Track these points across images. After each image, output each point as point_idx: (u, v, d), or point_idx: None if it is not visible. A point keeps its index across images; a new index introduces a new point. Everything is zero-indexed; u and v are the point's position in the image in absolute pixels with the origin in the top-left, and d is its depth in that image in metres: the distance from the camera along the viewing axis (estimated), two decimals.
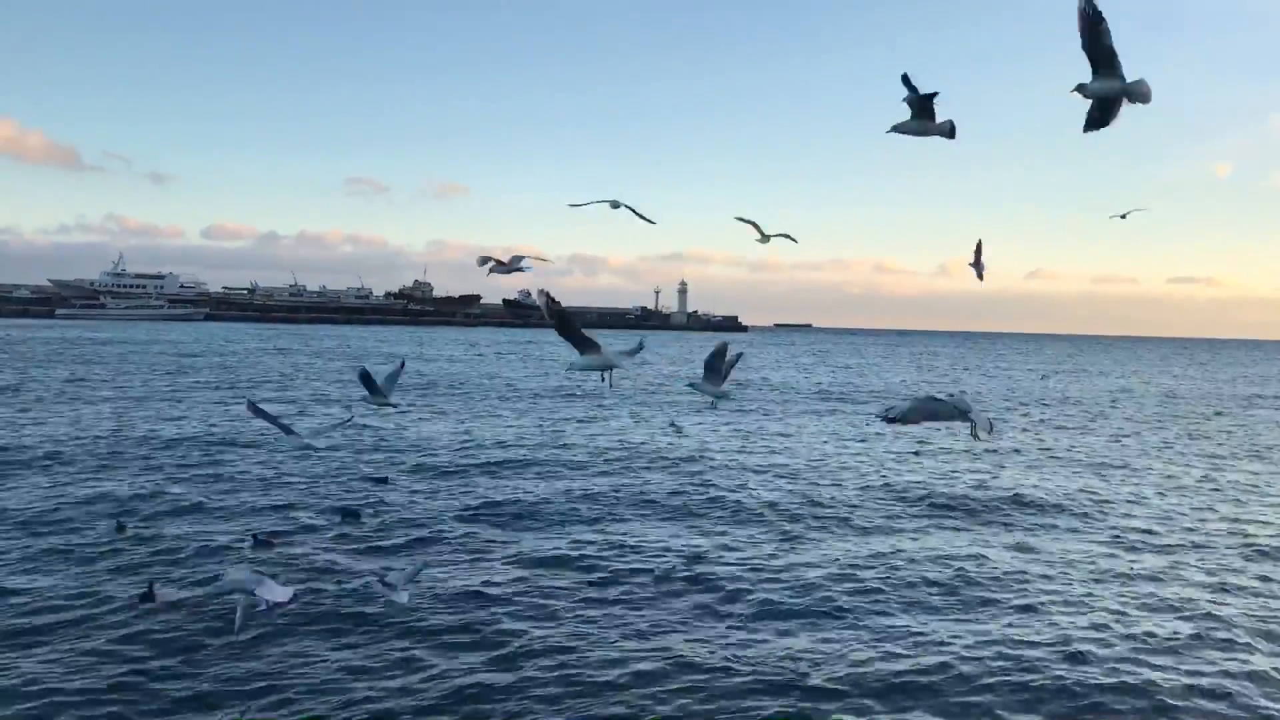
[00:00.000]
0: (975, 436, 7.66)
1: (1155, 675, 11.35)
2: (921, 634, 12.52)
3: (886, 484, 23.37)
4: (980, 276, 9.57)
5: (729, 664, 11.30)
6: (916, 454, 28.48)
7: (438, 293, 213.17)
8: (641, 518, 18.93)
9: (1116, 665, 11.63)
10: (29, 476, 20.90)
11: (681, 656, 11.45)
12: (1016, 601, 14.08)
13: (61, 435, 27.39)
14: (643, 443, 29.23)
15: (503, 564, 15.06)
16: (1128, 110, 5.74)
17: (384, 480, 21.45)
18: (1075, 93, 5.73)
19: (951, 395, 7.66)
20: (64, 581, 13.32)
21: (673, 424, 28.52)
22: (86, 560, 14.39)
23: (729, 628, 12.63)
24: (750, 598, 13.87)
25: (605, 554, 15.96)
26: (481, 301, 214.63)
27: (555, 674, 10.90)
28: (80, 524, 16.65)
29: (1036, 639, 12.46)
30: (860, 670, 11.24)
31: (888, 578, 15.03)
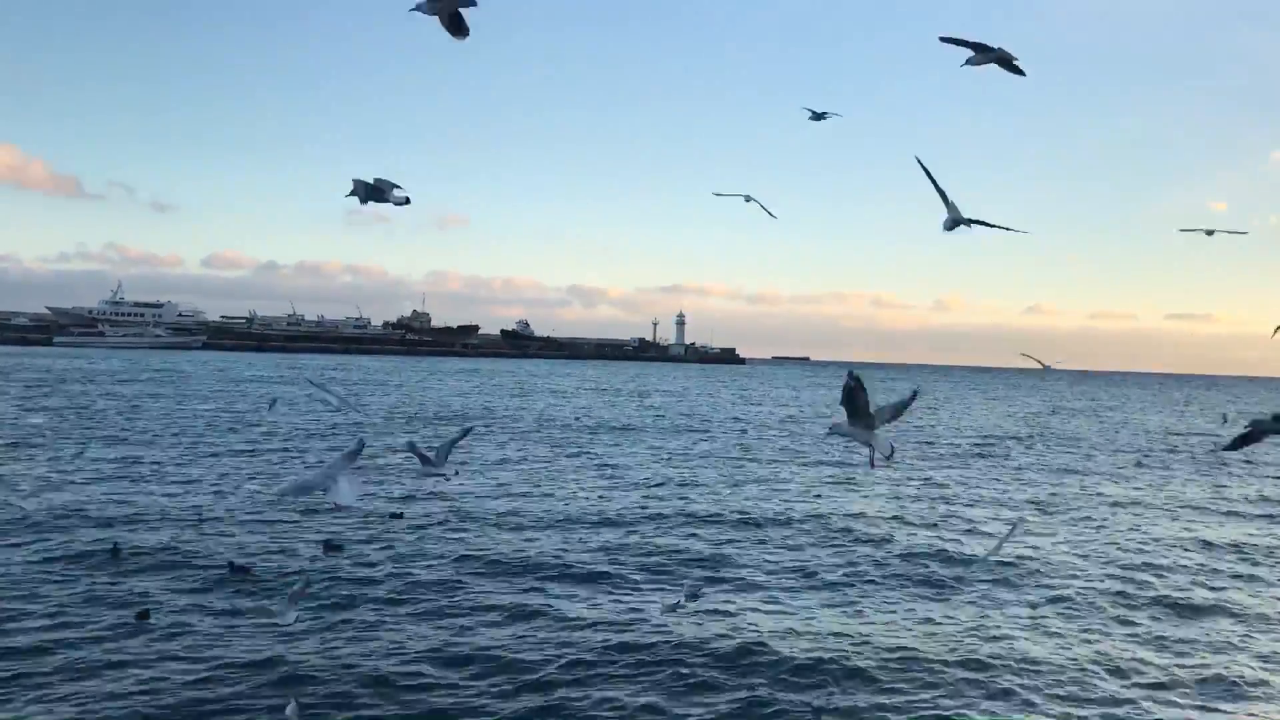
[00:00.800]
0: (871, 464, 7.32)
1: None
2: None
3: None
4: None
5: None
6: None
7: (436, 323, 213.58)
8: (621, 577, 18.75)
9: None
10: (27, 494, 20.85)
11: None
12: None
13: (56, 465, 27.21)
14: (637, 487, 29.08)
15: (494, 619, 14.54)
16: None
17: (398, 515, 20.83)
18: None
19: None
20: (65, 600, 13.57)
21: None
22: (86, 584, 14.58)
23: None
24: (730, 669, 13.69)
25: (588, 607, 15.80)
26: (480, 332, 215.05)
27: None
28: (78, 549, 16.65)
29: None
30: None
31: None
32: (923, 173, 6.40)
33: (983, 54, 6.50)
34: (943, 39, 6.41)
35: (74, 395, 54.63)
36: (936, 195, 6.45)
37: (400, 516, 20.67)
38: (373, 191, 6.64)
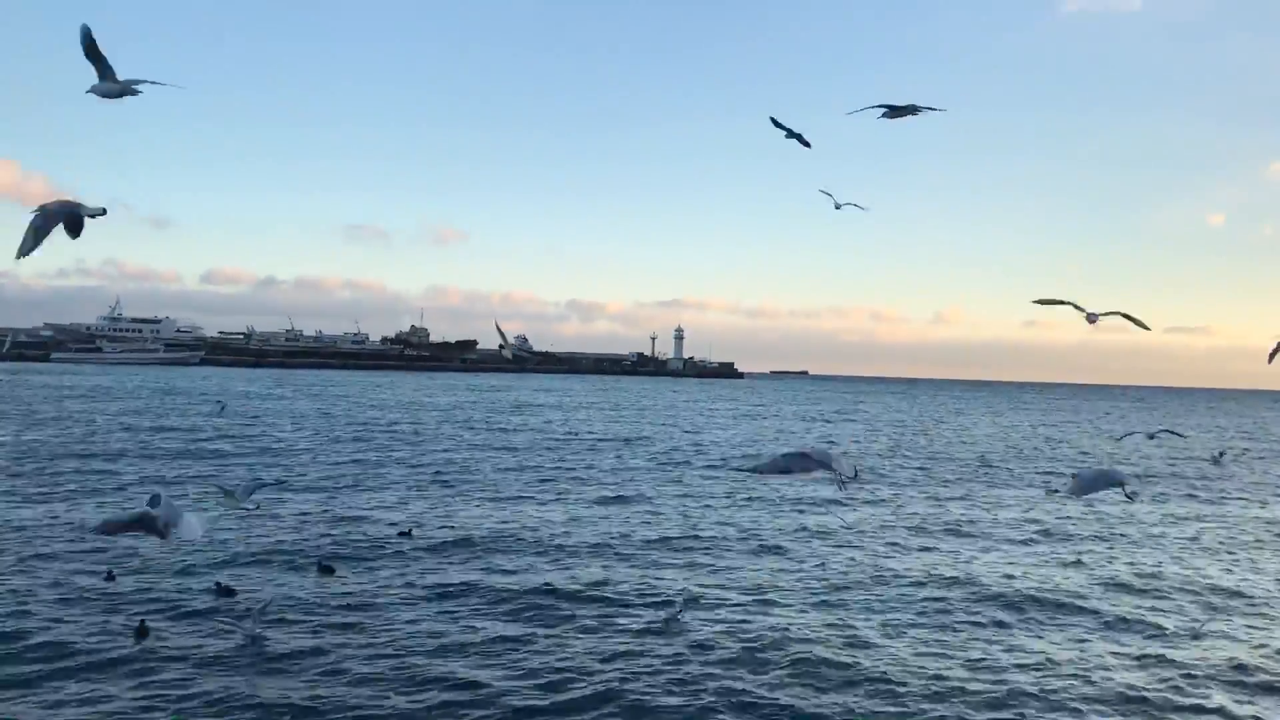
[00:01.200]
0: (841, 486, 7.61)
1: None
2: None
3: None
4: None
5: None
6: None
7: (434, 338, 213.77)
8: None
9: None
10: (24, 523, 20.82)
11: None
12: None
13: (50, 492, 27.13)
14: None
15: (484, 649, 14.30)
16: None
17: (407, 534, 20.65)
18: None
19: (814, 449, 7.73)
20: (66, 621, 13.79)
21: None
22: (84, 605, 14.73)
23: None
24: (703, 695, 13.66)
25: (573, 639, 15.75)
26: (478, 347, 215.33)
27: None
28: (74, 574, 16.64)
29: None
30: None
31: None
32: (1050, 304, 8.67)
33: (894, 111, 7.14)
34: (849, 113, 7.62)
35: (71, 412, 54.56)
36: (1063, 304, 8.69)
37: (409, 535, 20.62)
38: (61, 216, 6.51)
